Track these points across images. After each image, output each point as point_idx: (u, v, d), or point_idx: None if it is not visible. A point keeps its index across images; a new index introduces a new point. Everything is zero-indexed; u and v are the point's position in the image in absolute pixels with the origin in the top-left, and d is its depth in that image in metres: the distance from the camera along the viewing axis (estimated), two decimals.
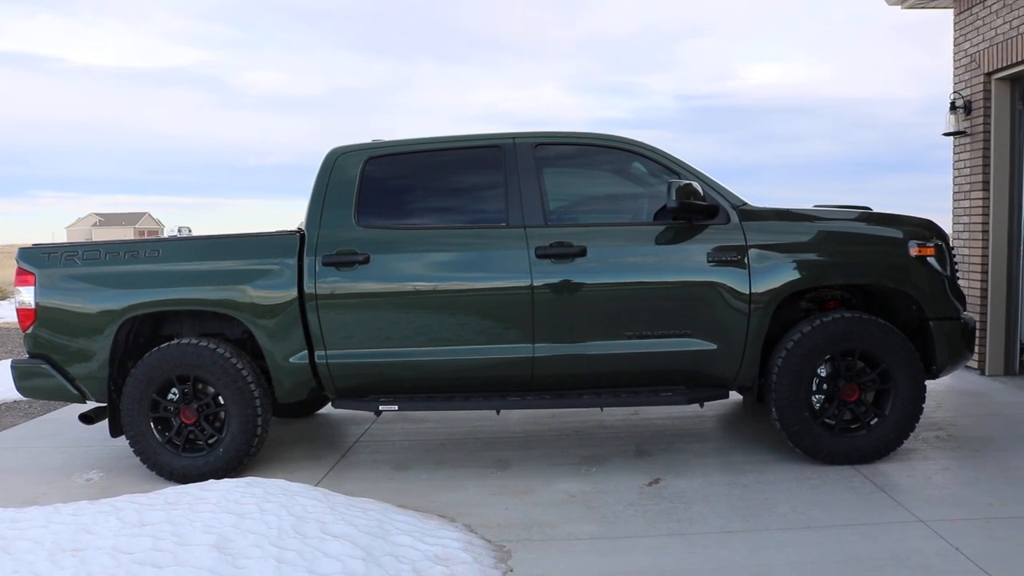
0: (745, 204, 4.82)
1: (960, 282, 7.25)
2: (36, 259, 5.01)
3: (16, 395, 7.58)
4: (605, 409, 6.13)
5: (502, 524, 4.13)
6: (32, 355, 5.03)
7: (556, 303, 4.74)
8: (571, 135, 4.97)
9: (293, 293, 4.82)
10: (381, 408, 4.84)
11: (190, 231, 5.77)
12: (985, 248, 6.94)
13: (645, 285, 4.72)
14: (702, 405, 5.09)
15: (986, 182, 6.85)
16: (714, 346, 4.71)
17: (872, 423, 4.78)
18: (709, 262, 4.68)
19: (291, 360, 4.88)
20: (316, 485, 4.79)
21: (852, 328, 4.69)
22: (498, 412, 5.08)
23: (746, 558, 3.61)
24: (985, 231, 6.91)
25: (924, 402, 4.77)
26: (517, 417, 6.24)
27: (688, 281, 4.70)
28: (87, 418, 5.16)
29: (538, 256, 4.71)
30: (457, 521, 4.17)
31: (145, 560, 3.26)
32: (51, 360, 4.99)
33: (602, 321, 4.75)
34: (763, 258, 4.68)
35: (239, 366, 4.88)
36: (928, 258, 4.74)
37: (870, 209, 5.23)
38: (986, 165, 6.85)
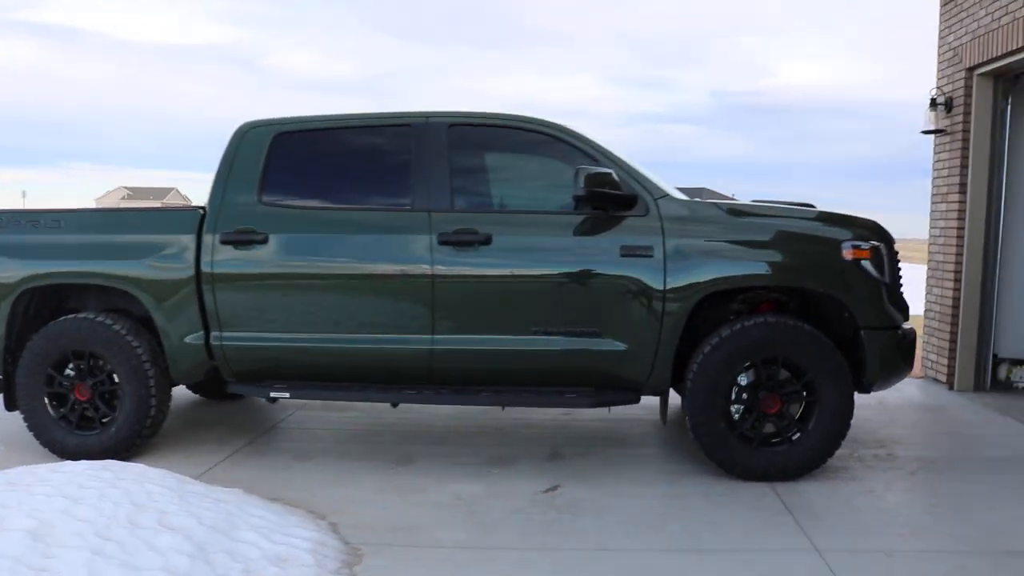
0: (667, 195, 4.50)
1: (934, 290, 6.85)
2: None
3: None
4: (536, 408, 5.85)
5: (371, 525, 3.88)
6: None
7: (458, 293, 4.47)
8: (488, 115, 4.67)
9: (190, 271, 4.62)
10: (273, 395, 4.63)
11: None
12: (959, 255, 6.51)
13: (552, 278, 4.43)
14: (609, 410, 4.79)
15: (963, 184, 6.41)
16: (624, 347, 4.41)
17: (794, 438, 4.45)
18: (622, 255, 4.37)
19: (186, 340, 4.68)
20: (207, 471, 4.62)
21: (775, 334, 4.35)
22: (394, 405, 4.83)
23: None
24: (960, 236, 6.48)
25: (852, 417, 4.42)
26: (444, 410, 5.99)
27: (598, 275, 4.39)
28: None
29: (440, 242, 4.44)
30: (326, 519, 3.94)
31: None
32: None
33: (506, 314, 4.47)
34: (680, 254, 4.35)
35: (134, 344, 4.69)
36: (863, 262, 4.37)
37: (812, 207, 4.88)
38: (964, 166, 6.41)
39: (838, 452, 4.91)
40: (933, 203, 6.91)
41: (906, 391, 6.73)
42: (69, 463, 3.94)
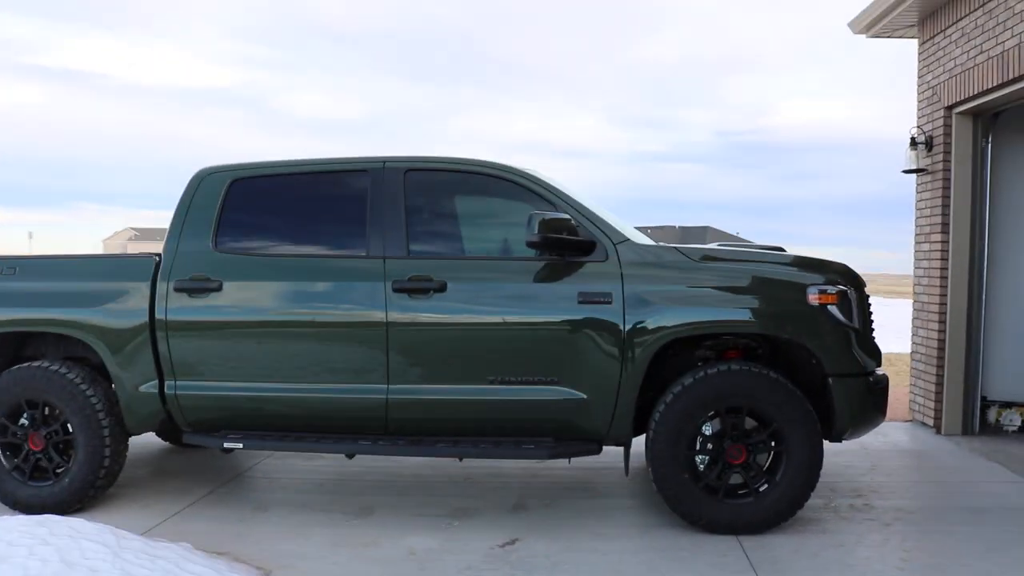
0: (627, 240, 4.40)
1: (920, 332, 6.70)
2: None
3: None
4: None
5: None
6: None
7: (413, 342, 4.38)
8: (444, 160, 4.62)
9: (144, 318, 4.55)
10: (227, 445, 4.52)
11: None
12: (943, 295, 6.36)
13: (509, 326, 4.33)
14: (569, 461, 4.64)
15: (946, 223, 6.29)
16: (584, 396, 4.29)
17: (761, 489, 4.29)
18: (580, 302, 4.27)
19: (140, 389, 4.59)
20: (161, 523, 4.51)
21: (738, 382, 4.22)
22: (349, 456, 4.71)
23: None
24: (944, 276, 6.34)
25: (821, 468, 4.27)
26: (412, 460, 5.84)
27: (556, 322, 4.29)
28: None
29: (395, 290, 4.36)
30: (272, 575, 3.81)
31: None
32: None
33: (462, 363, 4.36)
34: (640, 300, 4.25)
35: (88, 393, 4.61)
36: (829, 307, 4.25)
37: (782, 250, 4.78)
38: (946, 205, 6.30)
39: (812, 502, 4.76)
40: (917, 243, 6.79)
41: (892, 435, 6.55)
42: (4, 518, 3.83)
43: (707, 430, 4.30)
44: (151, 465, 5.80)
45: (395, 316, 4.35)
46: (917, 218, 6.78)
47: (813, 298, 4.24)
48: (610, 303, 4.25)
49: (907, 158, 6.59)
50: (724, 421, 4.26)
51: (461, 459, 4.70)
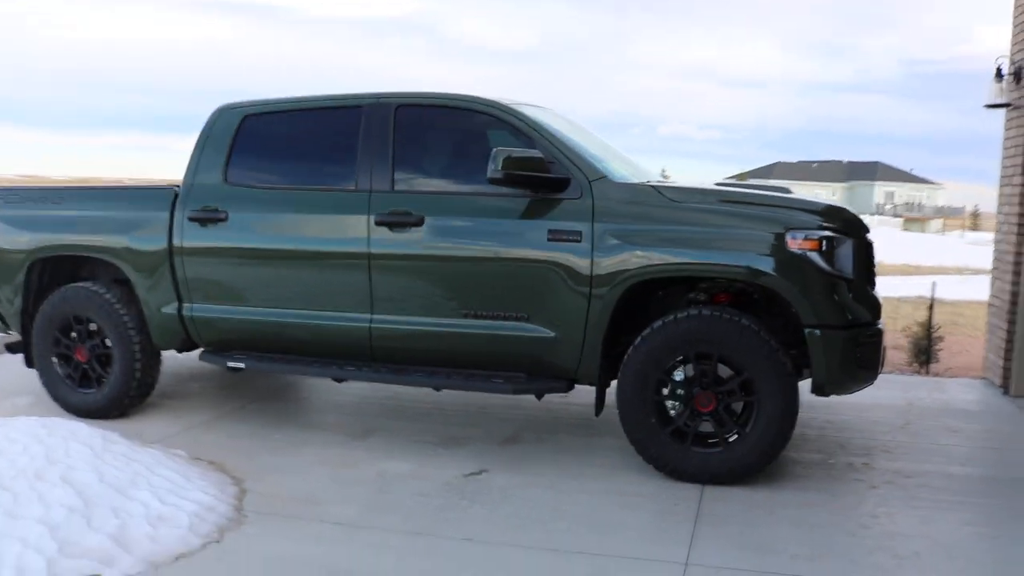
0: (604, 177, 4.27)
1: (996, 282, 6.08)
2: None
3: None
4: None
5: (277, 494, 4.05)
6: None
7: (392, 274, 4.51)
8: (432, 96, 4.64)
9: (164, 245, 4.95)
10: (230, 364, 4.90)
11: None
12: (1020, 244, 5.70)
13: (481, 261, 4.36)
14: (539, 397, 4.65)
15: None
16: (552, 334, 4.27)
17: (731, 440, 4.14)
18: (549, 239, 4.22)
19: (163, 310, 5.03)
20: (179, 433, 4.96)
21: (707, 327, 4.05)
22: (338, 381, 4.95)
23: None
24: (1022, 224, 5.67)
25: (794, 421, 4.05)
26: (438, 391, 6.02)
27: (525, 259, 4.27)
28: (13, 348, 5.64)
29: (377, 223, 4.49)
30: (240, 485, 4.15)
31: None
32: None
33: (437, 297, 4.46)
34: (610, 240, 4.14)
35: (122, 312, 5.10)
36: (810, 253, 3.96)
37: (788, 192, 4.49)
38: None
39: (810, 458, 4.60)
40: (1000, 185, 6.08)
41: (952, 392, 6.04)
42: (21, 419, 4.37)
43: (679, 376, 4.18)
44: (204, 380, 6.31)
45: (377, 249, 4.49)
46: (1003, 158, 6.05)
47: (793, 243, 3.96)
48: (579, 241, 4.17)
49: (989, 92, 5.87)
50: (694, 367, 4.12)
51: (439, 389, 4.82)
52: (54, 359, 5.33)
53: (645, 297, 4.43)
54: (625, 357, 4.19)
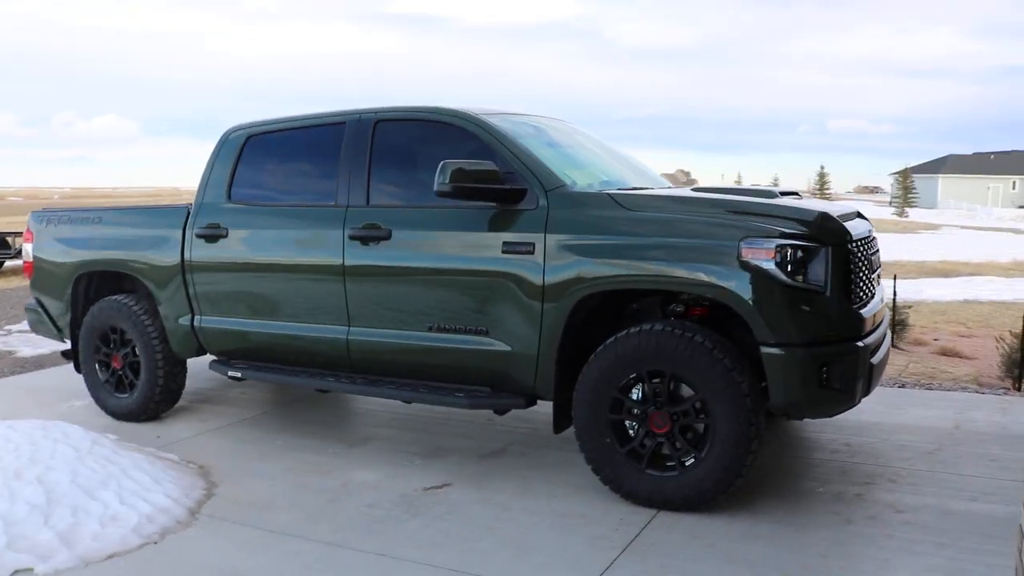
0: (561, 187, 4.14)
1: None
2: (36, 220, 6.09)
3: None
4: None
5: (239, 499, 4.23)
6: (35, 299, 6.17)
7: (365, 287, 4.60)
8: (406, 110, 4.68)
9: (177, 260, 5.28)
10: (230, 374, 5.15)
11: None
12: None
13: (443, 273, 4.35)
14: (500, 413, 4.54)
15: None
16: (509, 348, 4.19)
17: (687, 463, 3.89)
18: (504, 252, 4.15)
19: (178, 321, 5.37)
20: (192, 437, 5.27)
21: (658, 343, 3.83)
22: (321, 390, 5.07)
23: None
24: None
25: (751, 448, 3.73)
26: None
27: (482, 271, 4.22)
28: (67, 355, 6.19)
29: (350, 238, 4.58)
30: (209, 489, 4.35)
31: None
32: (42, 304, 6.07)
33: (403, 310, 4.49)
34: (562, 252, 4.01)
35: (147, 323, 5.49)
36: (765, 264, 3.65)
37: (798, 193, 4.20)
38: None
39: (804, 485, 4.32)
40: None
41: (1016, 413, 5.37)
42: (24, 420, 4.79)
43: (636, 394, 3.98)
44: (246, 386, 6.61)
45: (350, 262, 4.59)
46: None
47: (747, 253, 3.67)
48: (532, 253, 4.08)
49: None
50: (648, 386, 3.91)
51: (408, 402, 4.84)
52: (96, 365, 5.81)
53: (616, 311, 4.26)
54: (580, 374, 4.05)
